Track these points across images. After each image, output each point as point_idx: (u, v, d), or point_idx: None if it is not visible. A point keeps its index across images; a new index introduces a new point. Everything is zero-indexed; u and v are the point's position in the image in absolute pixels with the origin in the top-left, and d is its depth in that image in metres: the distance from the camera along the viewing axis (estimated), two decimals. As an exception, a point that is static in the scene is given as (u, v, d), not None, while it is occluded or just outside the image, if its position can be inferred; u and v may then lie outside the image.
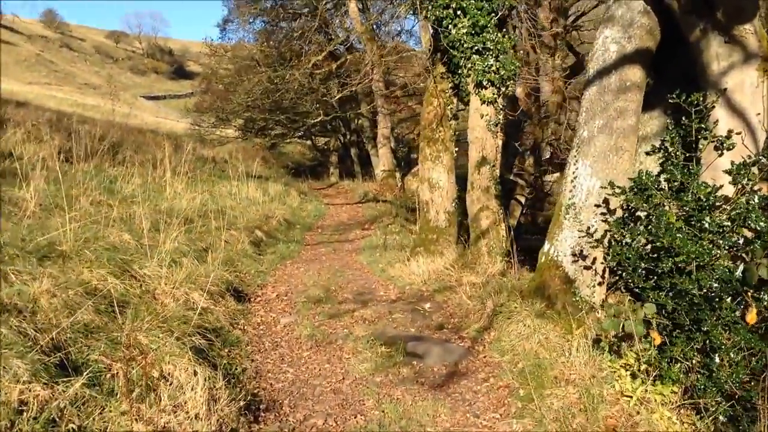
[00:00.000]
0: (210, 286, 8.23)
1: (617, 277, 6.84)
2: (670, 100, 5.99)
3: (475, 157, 9.80)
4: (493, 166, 9.77)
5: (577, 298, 6.58)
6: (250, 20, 27.06)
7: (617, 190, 6.12)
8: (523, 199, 17.33)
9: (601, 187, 6.50)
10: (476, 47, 9.55)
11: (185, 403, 4.93)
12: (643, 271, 5.74)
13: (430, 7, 9.89)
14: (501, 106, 9.81)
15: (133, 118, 38.41)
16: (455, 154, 10.90)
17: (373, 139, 27.35)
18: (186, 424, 4.74)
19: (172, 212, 11.57)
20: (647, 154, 6.96)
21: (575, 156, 6.80)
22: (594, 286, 6.66)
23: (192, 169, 18.45)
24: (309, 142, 36.75)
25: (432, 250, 10.41)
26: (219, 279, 8.69)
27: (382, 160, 25.05)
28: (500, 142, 9.87)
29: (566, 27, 18.60)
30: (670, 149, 5.98)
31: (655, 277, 5.76)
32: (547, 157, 18.61)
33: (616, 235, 6.22)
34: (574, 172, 6.78)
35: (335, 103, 28.36)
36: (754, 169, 5.69)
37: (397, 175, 24.68)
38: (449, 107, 10.69)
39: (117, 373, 4.95)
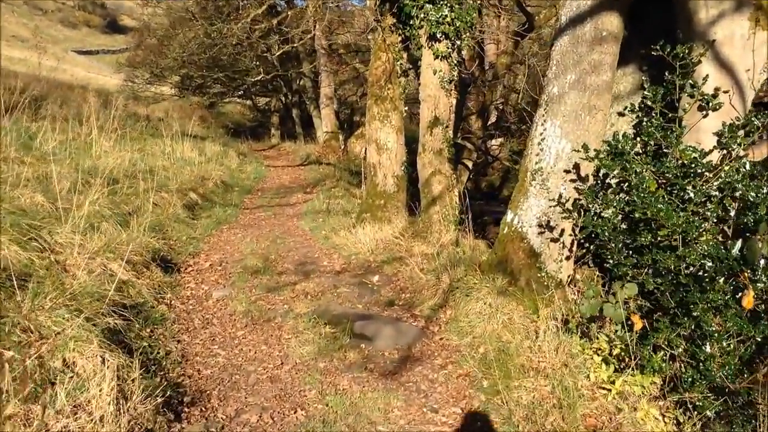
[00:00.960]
0: (133, 255, 7.30)
1: (584, 250, 6.19)
2: (652, 53, 5.29)
3: (427, 117, 9.00)
4: (447, 126, 9.00)
5: (543, 274, 5.92)
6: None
7: (591, 154, 5.43)
8: (470, 164, 16.66)
9: (573, 150, 5.80)
10: (430, -4, 8.70)
11: (88, 402, 4.06)
12: (621, 246, 5.07)
13: (379, -50, 8.98)
14: (455, 62, 9.01)
15: (62, 73, 36.26)
16: (405, 114, 10.09)
17: (315, 99, 26.27)
18: (88, 428, 3.88)
19: (96, 172, 10.50)
20: (620, 114, 6.28)
21: (543, 116, 6.07)
22: (561, 261, 5.99)
23: (122, 127, 17.22)
24: (249, 102, 35.34)
25: (380, 217, 9.63)
26: (144, 247, 7.75)
27: (325, 122, 24.05)
28: (454, 101, 9.09)
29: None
30: (654, 107, 5.28)
31: (633, 253, 5.10)
32: (493, 121, 17.96)
33: (589, 205, 5.53)
34: (541, 134, 6.06)
35: (276, 61, 27.08)
36: (741, 133, 5.06)
37: (340, 137, 23.73)
38: (399, 62, 9.85)
39: (3, 365, 4.05)
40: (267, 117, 33.64)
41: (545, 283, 5.92)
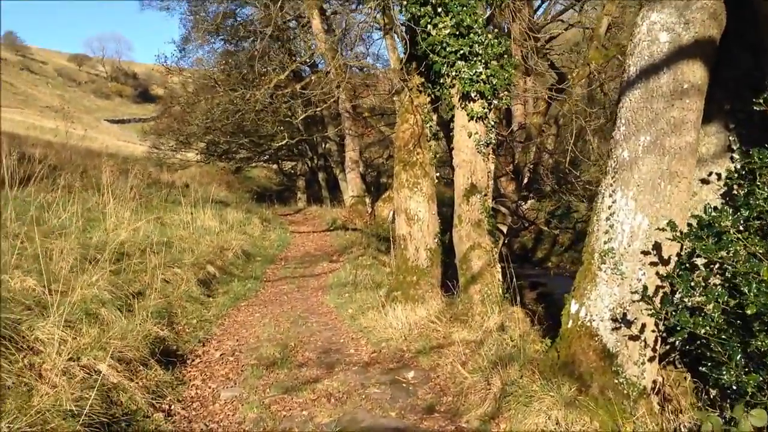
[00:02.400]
0: (128, 350, 6.16)
1: (668, 346, 4.94)
2: (749, 107, 4.15)
3: (462, 185, 7.88)
4: (485, 195, 7.86)
5: (622, 380, 4.66)
6: (211, 40, 25.01)
7: (678, 233, 4.24)
8: (505, 229, 15.47)
9: (656, 228, 4.60)
10: (462, 51, 7.66)
11: None
12: (736, 352, 3.83)
13: (405, 3, 8.00)
14: (492, 123, 7.93)
15: (92, 141, 36.03)
16: (436, 181, 8.99)
17: (341, 163, 25.39)
18: None
19: (105, 247, 9.49)
20: (703, 182, 5.09)
21: (611, 185, 4.90)
22: (644, 363, 4.73)
23: (141, 195, 16.35)
24: (275, 167, 34.66)
25: (412, 296, 8.43)
26: (144, 338, 6.60)
27: (351, 185, 23.07)
28: (492, 166, 7.98)
29: (539, 46, 16.93)
30: (761, 173, 4.10)
31: (748, 359, 3.86)
32: (525, 182, 16.83)
33: (682, 296, 4.32)
34: (610, 207, 4.88)
35: (301, 126, 26.39)
36: None
37: (367, 200, 22.70)
38: (429, 125, 8.79)
39: None
40: (293, 181, 32.87)
41: (624, 392, 4.67)
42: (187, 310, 8.82)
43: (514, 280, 6.59)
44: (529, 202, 18.82)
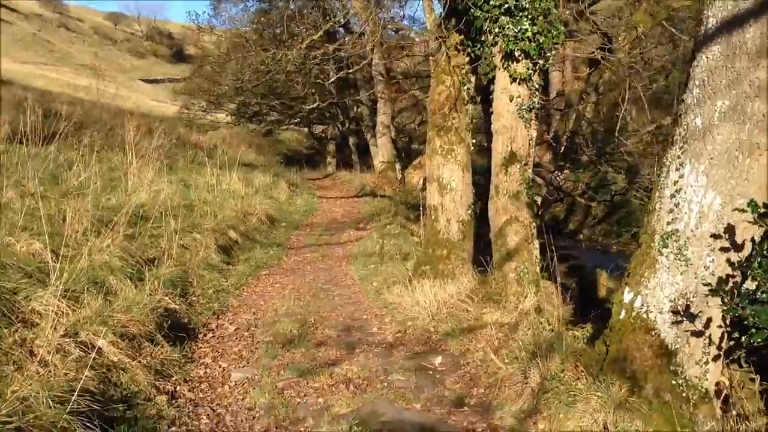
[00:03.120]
0: (132, 325, 5.65)
1: (732, 342, 4.26)
2: None
3: (501, 152, 7.18)
4: (525, 164, 7.15)
5: (681, 381, 4.02)
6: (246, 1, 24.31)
7: (758, 214, 3.55)
8: (539, 200, 14.73)
9: (737, 210, 3.90)
10: (506, 5, 6.90)
11: None
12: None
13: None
14: (537, 86, 7.19)
15: (125, 100, 35.71)
16: (472, 147, 8.30)
17: (372, 128, 24.67)
18: None
19: (123, 209, 9.00)
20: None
21: (678, 157, 4.19)
22: (707, 362, 4.07)
23: (167, 156, 15.87)
24: (306, 130, 34.03)
25: (441, 271, 7.80)
26: (151, 310, 6.06)
27: (381, 151, 22.38)
28: (534, 134, 7.25)
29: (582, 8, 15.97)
30: None
31: None
32: (562, 152, 15.99)
33: (763, 289, 3.64)
34: (676, 182, 4.17)
35: (333, 89, 25.67)
36: None
37: (397, 167, 22.02)
38: (466, 87, 8.08)
39: None
40: (323, 145, 32.23)
41: (684, 394, 4.03)
42: (204, 278, 8.31)
43: (555, 258, 5.90)
44: (565, 172, 18.03)
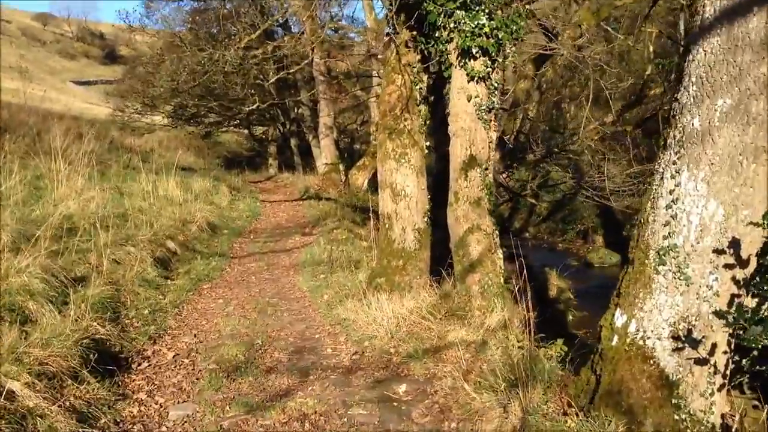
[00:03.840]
0: (52, 361, 4.88)
1: (733, 365, 3.80)
2: None
3: (460, 156, 6.62)
4: (486, 168, 6.62)
5: (685, 416, 3.52)
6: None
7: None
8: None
9: (751, 223, 3.42)
10: (462, -1, 6.35)
11: None
12: None
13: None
14: (496, 84, 6.66)
15: (55, 103, 33.95)
16: (426, 151, 7.74)
17: (314, 129, 23.93)
18: None
19: (48, 221, 8.15)
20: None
21: (674, 163, 3.69)
22: (712, 393, 3.59)
23: (99, 162, 14.85)
24: (246, 132, 32.97)
25: (398, 283, 7.22)
26: (74, 342, 5.29)
27: (324, 152, 21.67)
28: (494, 135, 6.73)
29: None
30: None
31: None
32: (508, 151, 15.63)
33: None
34: (672, 191, 3.68)
35: (273, 89, 24.80)
36: None
37: (341, 168, 21.35)
38: (418, 87, 7.51)
39: None
40: (264, 147, 31.27)
41: (688, 430, 3.53)
42: (139, 297, 7.52)
43: (525, 269, 5.37)
44: (511, 171, 17.73)
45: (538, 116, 18.84)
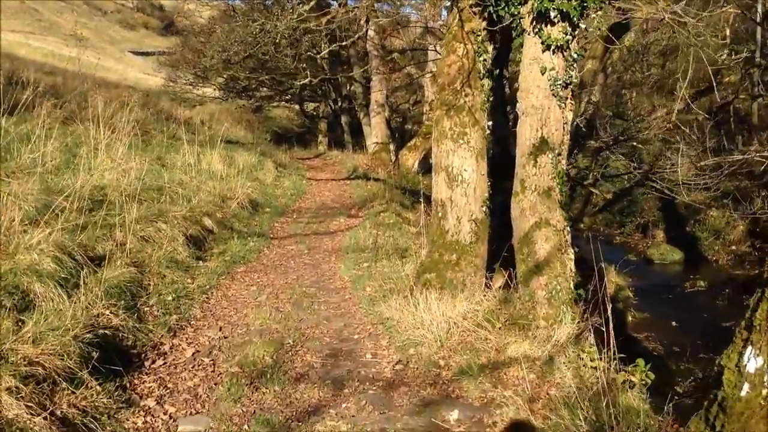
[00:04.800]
0: (44, 359, 4.12)
1: None
2: None
3: (529, 138, 5.63)
4: (559, 154, 5.62)
5: None
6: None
7: None
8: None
9: None
10: (541, -48, 5.33)
11: None
12: None
13: None
14: (575, 56, 5.64)
15: (111, 72, 33.75)
16: (488, 131, 6.75)
17: (365, 106, 23.02)
18: None
19: (78, 193, 7.48)
20: None
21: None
22: None
23: (144, 131, 14.24)
24: (297, 107, 32.25)
25: (450, 280, 6.28)
26: (74, 337, 4.52)
27: (375, 131, 20.74)
28: (570, 116, 5.72)
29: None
30: None
31: None
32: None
33: None
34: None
35: (325, 65, 23.93)
36: None
37: (391, 147, 20.41)
38: (482, 57, 6.51)
39: None
40: (315, 123, 30.50)
41: None
42: (164, 280, 6.78)
43: (604, 276, 4.38)
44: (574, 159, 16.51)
45: (603, 101, 17.55)
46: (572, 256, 5.52)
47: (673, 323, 12.11)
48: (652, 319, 11.57)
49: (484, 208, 6.52)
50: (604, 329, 4.22)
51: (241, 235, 9.75)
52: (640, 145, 16.38)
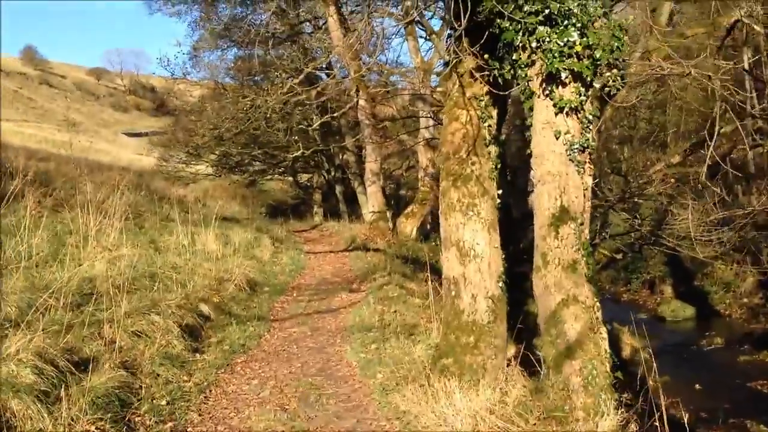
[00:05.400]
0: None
1: None
2: None
3: (548, 208, 5.14)
4: (581, 223, 5.13)
5: None
6: (222, 45, 22.48)
7: None
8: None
9: None
10: (547, 11, 4.95)
11: None
12: None
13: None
14: (590, 117, 5.21)
15: (104, 155, 33.56)
16: (498, 201, 6.27)
17: (359, 175, 22.72)
18: None
19: (65, 287, 6.95)
20: None
21: None
22: None
23: (136, 214, 13.78)
24: (291, 179, 31.99)
25: (469, 365, 5.68)
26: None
27: (371, 200, 20.31)
28: (590, 181, 5.25)
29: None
30: None
31: None
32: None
33: None
34: None
35: (317, 136, 23.76)
36: None
37: (388, 216, 19.95)
38: (487, 123, 6.10)
39: None
40: (309, 194, 30.19)
41: None
42: (158, 381, 6.16)
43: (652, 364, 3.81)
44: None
45: (598, 159, 17.27)
46: (605, 335, 4.96)
47: (697, 386, 11.44)
48: (673, 382, 10.90)
49: (500, 284, 5.98)
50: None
51: (239, 320, 9.14)
52: (640, 201, 15.99)
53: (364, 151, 22.59)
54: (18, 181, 10.30)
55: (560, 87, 5.08)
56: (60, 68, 60.59)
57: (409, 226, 18.91)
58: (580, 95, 5.05)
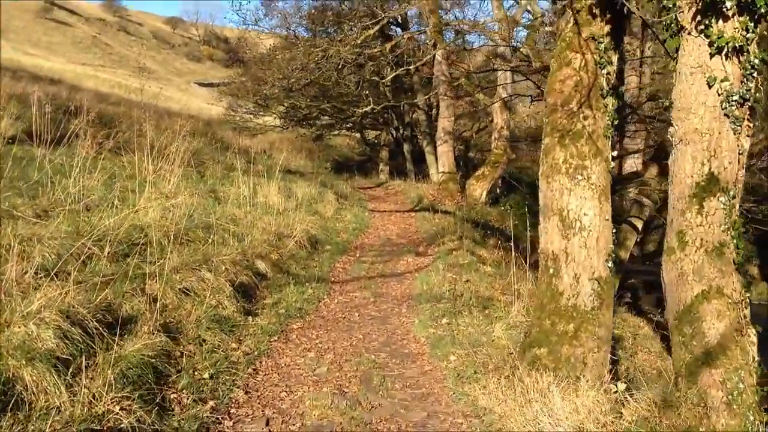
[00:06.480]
0: None
1: None
2: None
3: (691, 175, 3.99)
4: (734, 197, 3.97)
5: None
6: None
7: None
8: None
9: None
10: None
11: None
12: None
13: None
14: (756, 61, 3.99)
15: (175, 102, 33.25)
16: (611, 163, 5.12)
17: (429, 134, 21.57)
18: None
19: (112, 234, 6.17)
20: None
21: None
22: None
23: (199, 162, 13.08)
24: (358, 135, 30.98)
25: (566, 358, 4.63)
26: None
27: (442, 160, 19.19)
28: (747, 144, 4.06)
29: None
30: None
31: None
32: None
33: None
34: None
35: (388, 92, 22.61)
36: None
37: (457, 177, 18.83)
38: (606, 70, 4.92)
39: None
40: (376, 151, 29.15)
41: None
42: (202, 348, 5.32)
43: None
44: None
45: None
46: (755, 339, 3.82)
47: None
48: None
49: (609, 263, 4.87)
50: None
51: (298, 280, 8.28)
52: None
53: (434, 110, 21.37)
54: (80, 121, 9.62)
55: (720, 20, 3.87)
56: (138, 16, 60.73)
57: (478, 189, 17.76)
58: (748, 31, 3.83)
